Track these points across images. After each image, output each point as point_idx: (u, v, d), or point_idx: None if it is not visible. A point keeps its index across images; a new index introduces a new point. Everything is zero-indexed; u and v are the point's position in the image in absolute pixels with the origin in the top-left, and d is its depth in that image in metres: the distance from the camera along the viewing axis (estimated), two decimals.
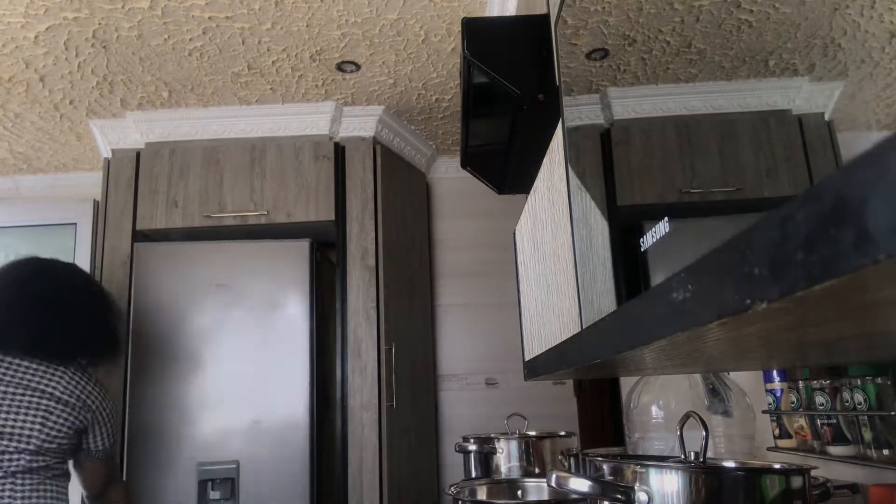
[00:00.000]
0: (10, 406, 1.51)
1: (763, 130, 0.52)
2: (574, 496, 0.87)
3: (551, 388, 2.85)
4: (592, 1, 0.83)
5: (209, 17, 1.95)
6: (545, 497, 1.28)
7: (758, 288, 0.23)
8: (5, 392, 1.52)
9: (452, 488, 1.26)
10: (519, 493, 1.34)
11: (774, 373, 0.98)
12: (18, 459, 1.51)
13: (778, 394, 0.98)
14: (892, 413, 0.75)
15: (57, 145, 2.77)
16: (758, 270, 0.23)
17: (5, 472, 1.50)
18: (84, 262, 2.73)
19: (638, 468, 0.65)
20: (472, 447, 1.51)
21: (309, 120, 2.57)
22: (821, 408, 0.88)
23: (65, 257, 2.78)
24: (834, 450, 0.86)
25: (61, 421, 1.55)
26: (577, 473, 0.71)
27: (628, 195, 0.77)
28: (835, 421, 0.86)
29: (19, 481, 1.50)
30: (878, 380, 0.78)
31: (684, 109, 0.63)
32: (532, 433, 1.51)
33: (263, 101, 2.51)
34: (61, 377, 1.58)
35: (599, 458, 0.72)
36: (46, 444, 1.53)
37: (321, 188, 2.52)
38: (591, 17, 0.85)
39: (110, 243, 2.48)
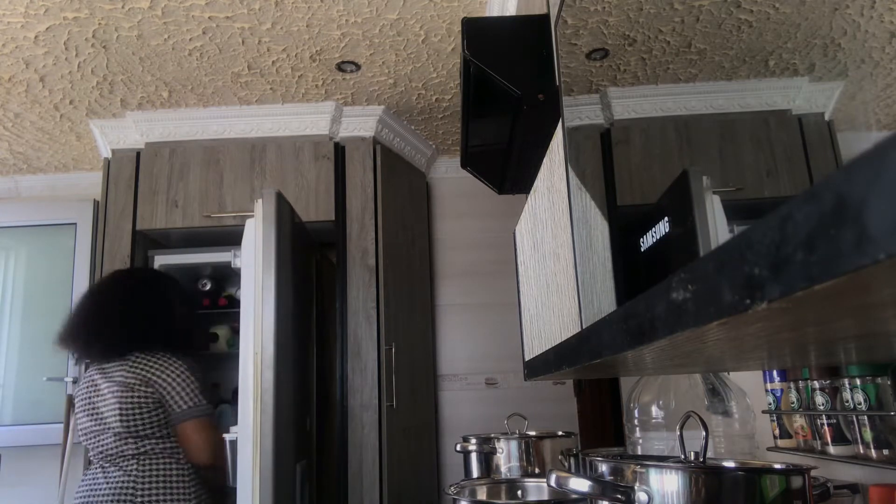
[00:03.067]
0: (100, 407, 1.75)
1: (763, 130, 0.52)
2: (574, 496, 0.88)
3: (551, 388, 2.86)
4: (592, 1, 0.83)
5: (209, 17, 1.95)
6: (545, 497, 1.28)
7: (758, 288, 0.23)
8: (102, 393, 1.76)
9: (452, 488, 1.26)
10: (519, 493, 1.34)
11: (774, 373, 0.98)
12: (119, 447, 1.72)
13: (778, 394, 0.98)
14: (892, 413, 0.75)
15: (57, 145, 2.77)
16: (758, 270, 0.23)
17: (110, 458, 1.73)
18: (84, 262, 2.74)
19: (638, 468, 0.65)
20: (472, 447, 1.50)
21: (309, 120, 2.57)
22: (821, 408, 0.88)
23: (65, 257, 2.80)
24: (834, 450, 0.86)
25: (132, 404, 1.72)
26: (577, 473, 0.71)
27: (628, 195, 0.77)
28: (835, 421, 0.86)
29: (133, 462, 1.71)
30: (878, 380, 0.78)
31: (684, 109, 0.63)
32: (532, 433, 1.51)
33: (263, 101, 2.51)
34: (125, 365, 1.77)
35: (599, 458, 0.72)
36: (132, 427, 1.72)
37: (321, 188, 2.52)
38: (591, 17, 0.85)
39: (110, 243, 2.48)
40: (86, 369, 1.87)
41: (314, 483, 2.31)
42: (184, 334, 1.90)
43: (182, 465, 1.77)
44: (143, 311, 1.86)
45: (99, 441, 1.75)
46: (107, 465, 1.74)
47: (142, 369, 1.75)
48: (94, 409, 1.76)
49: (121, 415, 1.71)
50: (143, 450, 1.72)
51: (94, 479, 1.74)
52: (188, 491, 1.74)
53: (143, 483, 1.69)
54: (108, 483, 1.70)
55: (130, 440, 1.72)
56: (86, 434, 1.78)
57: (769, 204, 0.48)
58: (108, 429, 1.73)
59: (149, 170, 2.55)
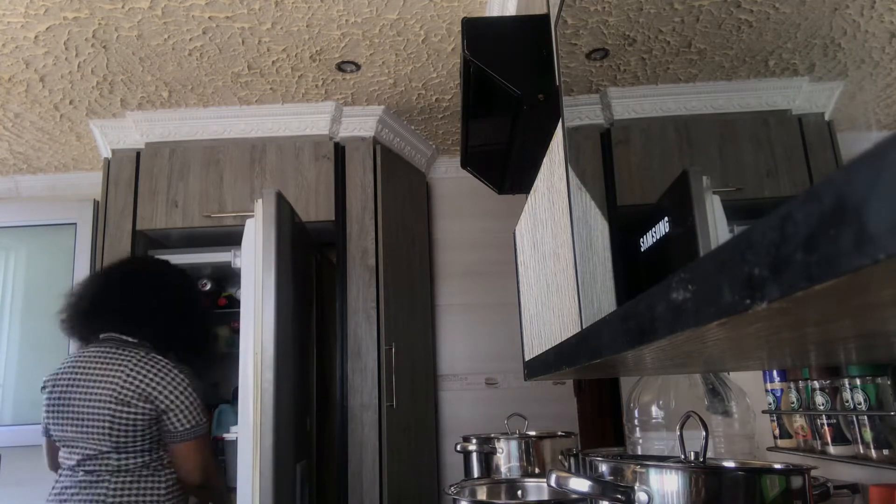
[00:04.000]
0: (82, 415, 1.60)
1: (763, 130, 0.52)
2: (574, 496, 0.88)
3: (551, 388, 2.86)
4: (592, 1, 0.83)
5: (209, 17, 1.95)
6: (545, 497, 1.28)
7: (758, 288, 0.23)
8: (78, 401, 1.61)
9: (452, 488, 1.26)
10: (519, 493, 1.34)
11: (774, 373, 0.98)
12: (100, 459, 1.59)
13: (778, 394, 0.98)
14: (892, 413, 0.75)
15: (57, 145, 2.77)
16: (758, 270, 0.23)
17: (86, 469, 1.60)
18: (84, 262, 2.74)
19: (638, 468, 0.65)
20: (473, 447, 1.50)
21: (309, 120, 2.57)
22: (821, 408, 0.88)
23: (65, 257, 2.80)
24: (834, 450, 0.86)
25: (125, 421, 1.59)
26: (577, 473, 0.71)
27: (628, 195, 0.77)
28: (835, 421, 0.86)
29: (108, 480, 1.58)
30: (878, 380, 0.78)
31: (684, 109, 0.63)
32: (532, 433, 1.51)
33: (263, 101, 2.51)
34: (122, 372, 1.61)
35: (599, 458, 0.72)
36: (121, 443, 1.59)
37: (321, 188, 2.52)
38: (591, 17, 0.85)
39: (110, 243, 2.48)
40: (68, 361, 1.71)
41: (314, 483, 2.31)
42: (201, 339, 1.81)
43: (161, 480, 1.63)
44: (171, 305, 1.76)
45: (76, 448, 1.61)
46: (81, 475, 1.61)
47: (140, 381, 1.60)
48: (75, 413, 1.61)
49: (111, 431, 1.58)
50: (123, 466, 1.59)
51: (64, 488, 1.61)
52: None
53: (117, 501, 1.57)
54: (80, 497, 1.58)
55: (113, 455, 1.59)
56: (60, 435, 1.64)
57: (769, 204, 0.48)
58: (91, 438, 1.59)
59: (149, 170, 2.55)
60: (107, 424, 1.58)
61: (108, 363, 1.63)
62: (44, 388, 1.69)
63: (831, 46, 0.43)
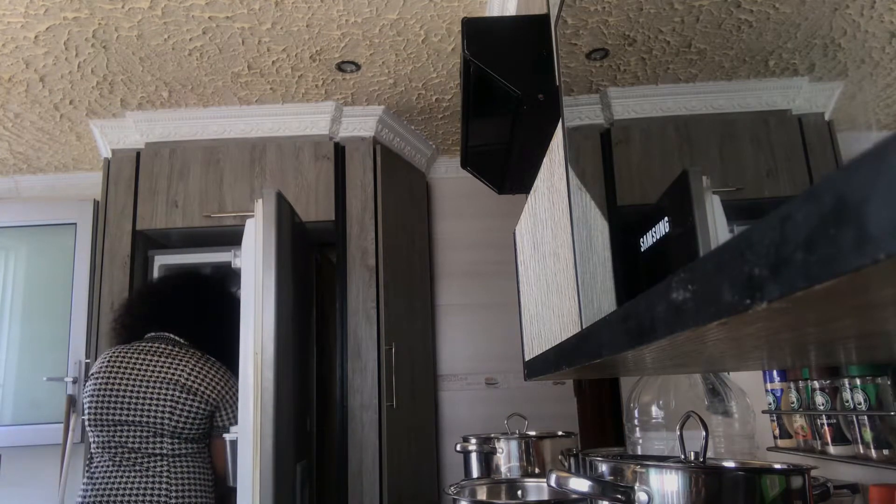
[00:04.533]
0: (141, 396, 1.70)
1: (763, 130, 0.52)
2: (574, 496, 0.88)
3: (551, 388, 2.86)
4: (592, 1, 0.83)
5: (209, 17, 1.95)
6: (545, 497, 1.28)
7: (758, 288, 0.23)
8: (137, 383, 1.72)
9: (452, 488, 1.26)
10: (519, 493, 1.34)
11: (774, 373, 0.98)
12: (152, 444, 1.69)
13: (778, 394, 0.98)
14: (892, 413, 0.75)
15: (57, 145, 2.77)
16: (758, 270, 0.23)
17: (133, 454, 1.69)
18: (84, 262, 2.74)
19: (638, 468, 0.65)
20: (472, 447, 1.51)
21: (309, 120, 2.57)
22: (821, 408, 0.88)
23: (65, 257, 2.80)
24: (834, 450, 0.86)
25: (188, 407, 1.72)
26: (577, 473, 0.71)
27: (628, 195, 0.77)
28: (835, 421, 0.86)
29: (163, 463, 1.69)
30: (878, 380, 0.78)
31: (684, 109, 0.63)
32: (532, 433, 1.51)
33: (263, 101, 2.51)
34: (187, 363, 1.76)
35: (599, 458, 0.73)
36: (178, 428, 1.71)
37: (321, 188, 2.52)
38: (591, 17, 0.85)
39: (110, 243, 2.48)
40: (107, 354, 1.81)
41: (314, 483, 2.31)
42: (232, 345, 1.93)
43: (209, 468, 1.79)
44: (226, 311, 1.91)
45: (122, 432, 1.68)
46: (128, 461, 1.68)
47: (206, 375, 1.76)
48: (131, 396, 1.69)
49: (171, 415, 1.68)
50: (178, 451, 1.70)
51: (108, 474, 1.67)
52: (211, 494, 1.78)
53: (176, 485, 1.67)
54: (130, 482, 1.65)
55: (167, 439, 1.69)
56: (103, 424, 1.69)
57: (769, 204, 0.48)
58: (144, 424, 1.68)
59: (149, 170, 2.55)
60: (168, 408, 1.70)
61: (168, 355, 1.77)
62: (88, 379, 1.79)
63: (831, 46, 0.43)
